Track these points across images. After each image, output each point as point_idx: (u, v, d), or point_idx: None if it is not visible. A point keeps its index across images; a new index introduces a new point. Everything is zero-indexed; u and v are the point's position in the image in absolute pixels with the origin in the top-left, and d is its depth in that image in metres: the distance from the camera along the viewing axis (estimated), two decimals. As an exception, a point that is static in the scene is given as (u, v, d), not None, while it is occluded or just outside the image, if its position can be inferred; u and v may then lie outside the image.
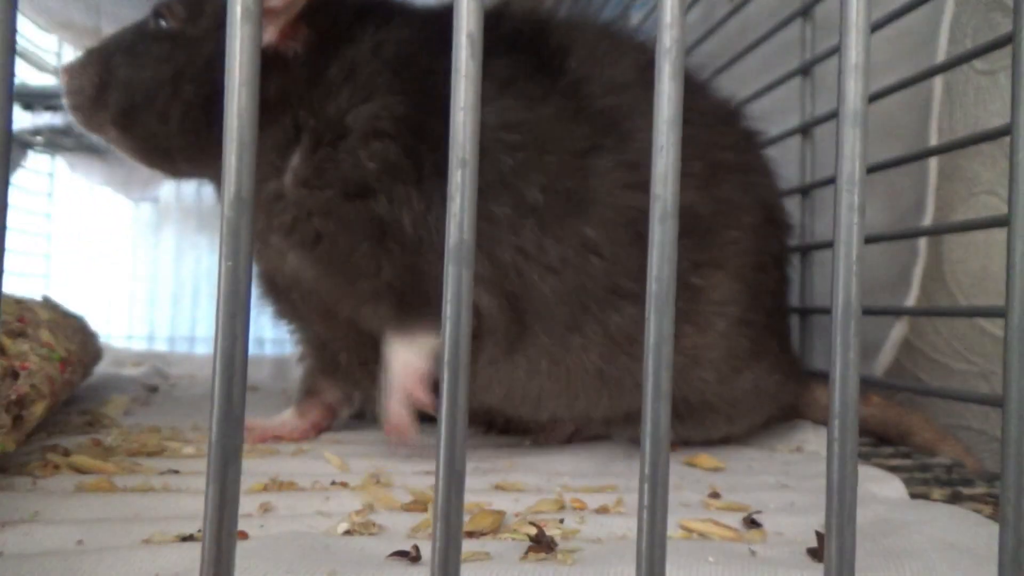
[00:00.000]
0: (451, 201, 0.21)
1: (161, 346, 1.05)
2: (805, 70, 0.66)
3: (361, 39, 0.46)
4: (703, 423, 0.48)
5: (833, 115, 0.62)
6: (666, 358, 0.22)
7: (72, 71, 0.47)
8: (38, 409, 0.34)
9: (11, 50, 0.19)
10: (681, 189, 0.48)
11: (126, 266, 1.08)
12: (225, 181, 0.20)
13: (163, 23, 0.47)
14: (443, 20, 0.48)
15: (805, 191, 0.65)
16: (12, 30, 0.19)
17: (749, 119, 0.54)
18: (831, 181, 0.65)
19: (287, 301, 0.49)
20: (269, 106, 0.44)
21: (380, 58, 0.45)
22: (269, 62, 0.42)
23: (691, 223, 0.43)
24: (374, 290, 0.45)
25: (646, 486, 0.22)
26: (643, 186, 0.43)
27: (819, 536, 0.30)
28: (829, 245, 0.63)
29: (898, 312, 0.56)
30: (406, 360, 0.44)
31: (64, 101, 0.48)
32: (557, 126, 0.44)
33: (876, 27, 0.51)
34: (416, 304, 0.45)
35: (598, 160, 0.44)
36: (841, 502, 0.22)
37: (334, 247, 0.44)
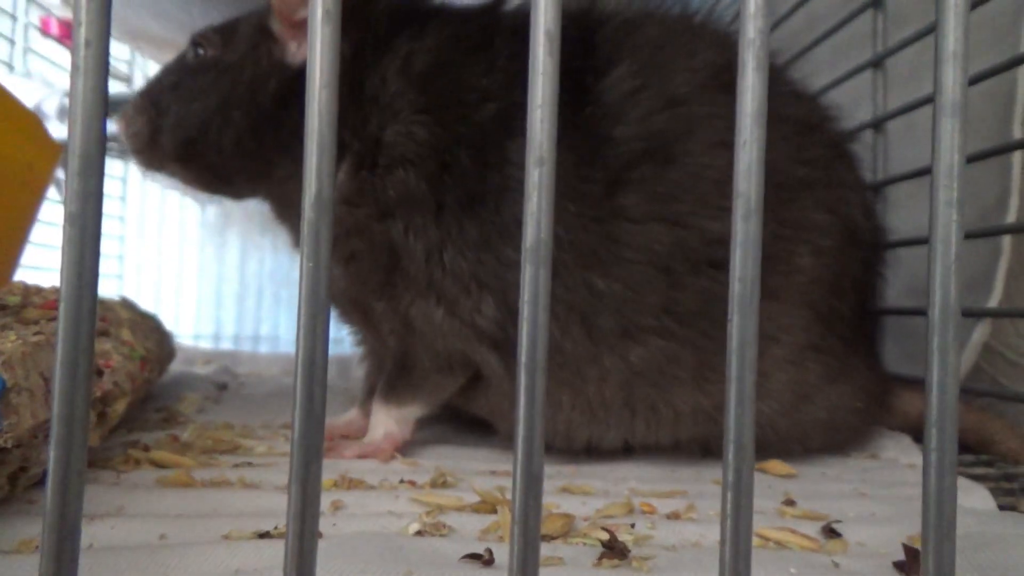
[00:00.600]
0: (528, 200, 0.21)
1: (226, 345, 1.08)
2: (877, 63, 0.64)
3: (396, 49, 0.44)
4: (767, 452, 0.44)
5: (906, 109, 0.60)
6: (749, 362, 0.21)
7: (127, 117, 0.48)
8: (120, 406, 0.35)
9: (105, 67, 0.19)
10: (729, 216, 0.45)
11: (193, 267, 1.12)
12: (306, 182, 0.20)
13: (200, 52, 0.47)
14: (480, 21, 0.47)
15: (877, 188, 0.62)
16: (106, 49, 0.19)
17: (837, 122, 0.49)
18: (905, 177, 0.62)
19: (340, 306, 0.49)
20: None
21: (408, 73, 0.44)
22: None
23: None
24: (389, 326, 0.45)
25: (729, 494, 0.21)
26: (675, 219, 0.42)
27: (907, 549, 0.28)
28: (903, 244, 0.61)
29: (982, 314, 0.53)
30: (389, 431, 0.44)
31: (127, 146, 0.48)
32: (580, 169, 0.41)
33: (976, 4, 0.47)
34: (406, 372, 0.45)
35: (622, 199, 0.41)
36: (939, 515, 0.21)
37: (361, 267, 0.44)
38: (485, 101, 0.43)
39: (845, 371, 0.46)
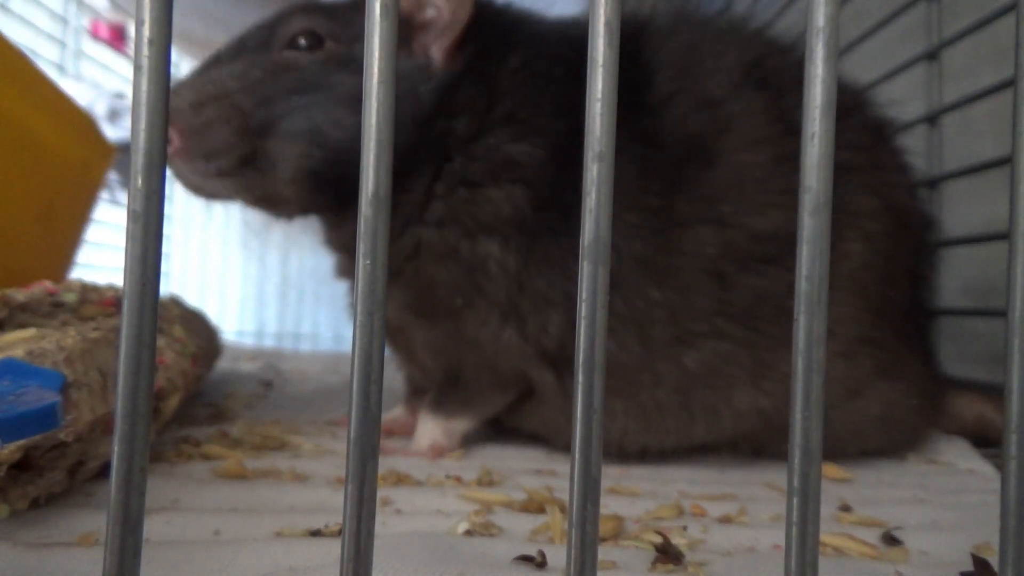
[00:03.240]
0: (586, 196, 0.21)
1: (269, 342, 1.10)
2: (932, 54, 0.62)
3: (505, 63, 0.44)
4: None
5: (965, 101, 0.58)
6: (817, 363, 0.20)
7: (189, 135, 0.42)
8: (173, 402, 0.36)
9: (167, 66, 0.19)
10: (774, 211, 0.44)
11: (236, 265, 1.14)
12: (363, 179, 0.20)
13: (302, 43, 0.42)
14: (573, 38, 0.46)
15: (932, 183, 0.60)
16: (168, 48, 0.19)
17: (876, 107, 0.48)
18: (962, 172, 0.60)
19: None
20: (426, 143, 0.42)
21: (518, 89, 0.43)
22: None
23: (785, 246, 0.40)
24: (433, 348, 0.44)
25: (795, 500, 0.21)
26: (721, 219, 0.41)
27: (976, 559, 0.27)
28: (960, 242, 0.58)
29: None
30: (435, 441, 0.44)
31: (188, 172, 0.45)
32: (636, 182, 0.41)
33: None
34: (460, 387, 0.44)
35: (674, 204, 0.41)
36: (1021, 525, 0.20)
37: (440, 290, 0.42)
38: (564, 119, 0.42)
39: (898, 366, 0.44)
